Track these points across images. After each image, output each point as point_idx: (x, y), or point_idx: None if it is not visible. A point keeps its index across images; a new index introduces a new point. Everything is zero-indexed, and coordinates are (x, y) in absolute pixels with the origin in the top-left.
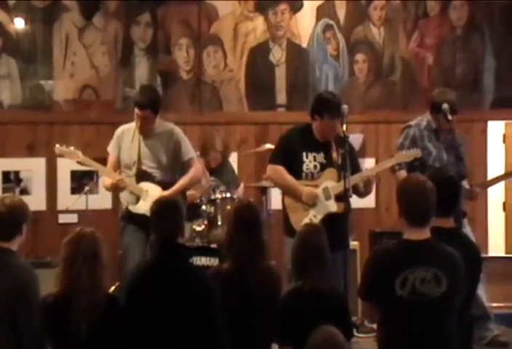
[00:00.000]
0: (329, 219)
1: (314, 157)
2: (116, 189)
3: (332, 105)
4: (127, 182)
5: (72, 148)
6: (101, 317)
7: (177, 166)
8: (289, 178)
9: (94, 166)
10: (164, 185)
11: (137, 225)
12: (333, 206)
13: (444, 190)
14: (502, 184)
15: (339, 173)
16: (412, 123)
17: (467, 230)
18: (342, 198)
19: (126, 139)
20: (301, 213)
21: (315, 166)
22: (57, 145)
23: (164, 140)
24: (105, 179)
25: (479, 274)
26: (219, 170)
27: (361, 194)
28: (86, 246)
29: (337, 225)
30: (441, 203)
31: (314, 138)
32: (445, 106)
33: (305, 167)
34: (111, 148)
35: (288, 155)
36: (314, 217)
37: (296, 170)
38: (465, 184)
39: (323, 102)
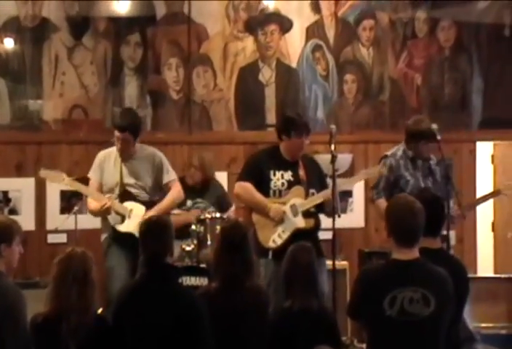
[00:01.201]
0: (298, 235)
1: (282, 175)
2: (104, 212)
3: (298, 124)
4: (112, 203)
5: (56, 171)
6: (90, 337)
7: (158, 188)
8: (257, 195)
9: (79, 188)
10: (148, 205)
11: (121, 245)
12: (301, 222)
13: (429, 210)
14: (490, 204)
15: (306, 191)
16: (388, 153)
17: None
18: (311, 214)
19: (108, 163)
20: (269, 230)
21: (282, 184)
22: (42, 169)
23: (145, 163)
24: (91, 203)
25: (467, 294)
26: (204, 190)
27: (328, 213)
28: (77, 266)
29: (306, 239)
30: (426, 224)
31: (282, 157)
32: (434, 126)
33: (272, 185)
34: (93, 173)
35: (256, 172)
36: (282, 232)
37: (264, 188)
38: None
39: (289, 121)
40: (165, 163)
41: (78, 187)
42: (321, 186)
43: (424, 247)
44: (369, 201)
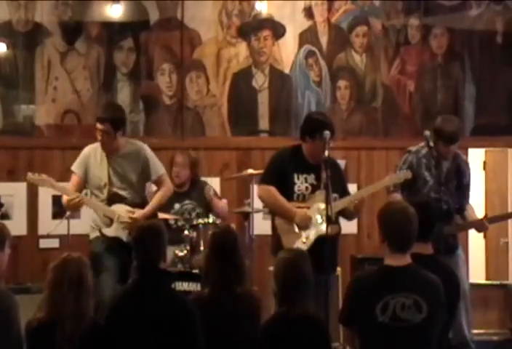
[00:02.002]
0: (321, 241)
1: (305, 178)
2: (73, 206)
3: (323, 126)
4: (97, 204)
5: (44, 176)
6: (85, 343)
7: (144, 184)
8: (281, 199)
9: (58, 187)
10: (136, 207)
11: (108, 249)
12: (325, 228)
13: (420, 215)
14: (482, 211)
15: (327, 193)
16: (413, 149)
17: (461, 271)
18: (331, 220)
19: (94, 160)
20: (293, 235)
21: (306, 188)
22: (29, 174)
23: (131, 159)
24: (63, 197)
25: (458, 301)
26: (190, 191)
27: (349, 217)
28: (73, 271)
29: (328, 247)
30: (418, 229)
31: (305, 159)
32: (426, 133)
33: (296, 188)
34: (77, 168)
35: (279, 176)
36: (307, 238)
37: (287, 191)
38: (472, 214)
39: (314, 123)
40: (151, 158)
41: (59, 187)
42: (343, 190)
43: (416, 253)
44: (386, 192)
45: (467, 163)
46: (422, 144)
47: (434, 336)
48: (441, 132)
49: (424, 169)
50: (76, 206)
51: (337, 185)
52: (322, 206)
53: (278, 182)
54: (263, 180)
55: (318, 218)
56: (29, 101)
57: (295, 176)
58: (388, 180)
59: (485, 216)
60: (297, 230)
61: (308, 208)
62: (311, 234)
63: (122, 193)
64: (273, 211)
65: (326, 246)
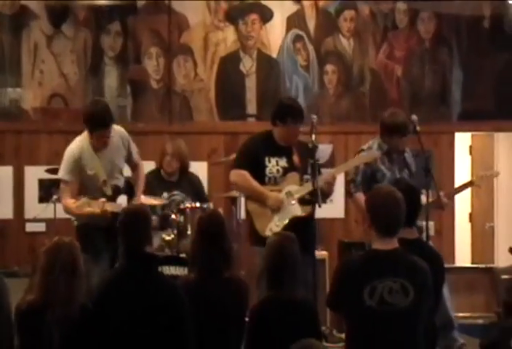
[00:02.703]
0: (294, 222)
1: (277, 161)
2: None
3: (295, 111)
4: (110, 207)
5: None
6: (74, 327)
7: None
8: (254, 183)
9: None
10: (130, 191)
11: (94, 236)
12: (297, 210)
13: (405, 200)
14: (468, 195)
15: (301, 177)
16: (364, 147)
17: None
18: (307, 201)
19: (85, 161)
20: (266, 218)
21: (277, 171)
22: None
23: (117, 146)
24: (82, 207)
25: (442, 284)
26: (180, 182)
27: (322, 198)
28: (65, 255)
29: (302, 228)
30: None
31: (276, 143)
32: (414, 117)
33: (268, 171)
34: (71, 176)
35: (251, 160)
36: (279, 220)
37: (259, 175)
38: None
39: (286, 108)
40: (130, 140)
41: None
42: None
43: (401, 238)
44: (346, 195)
45: (426, 151)
46: (372, 141)
47: (421, 320)
48: (397, 125)
49: (380, 163)
50: (106, 214)
51: (309, 166)
52: (293, 187)
53: (251, 166)
54: (236, 165)
55: (290, 200)
56: (15, 84)
57: (266, 159)
58: (357, 160)
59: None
60: (270, 213)
61: (280, 190)
62: (284, 216)
63: (118, 182)
64: (247, 195)
65: (300, 226)
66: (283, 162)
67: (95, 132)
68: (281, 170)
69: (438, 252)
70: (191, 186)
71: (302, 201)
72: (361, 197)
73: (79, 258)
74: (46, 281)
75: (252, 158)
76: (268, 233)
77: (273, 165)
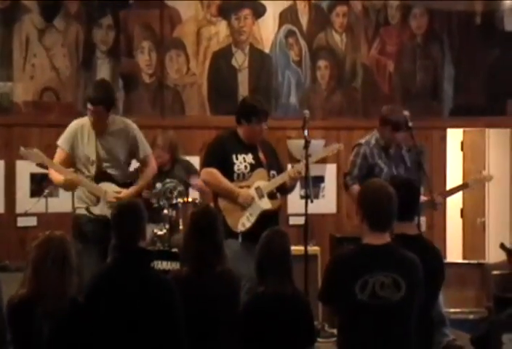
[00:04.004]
0: (264, 216)
1: (244, 158)
2: (70, 186)
3: (258, 111)
4: (85, 181)
5: (36, 150)
6: (65, 321)
7: (130, 161)
8: (224, 180)
9: (50, 163)
10: (124, 186)
11: (93, 228)
12: (267, 204)
13: (404, 194)
14: (459, 193)
15: (268, 173)
16: (362, 141)
17: None
18: (274, 195)
19: (81, 136)
20: (237, 214)
21: (245, 167)
22: (22, 148)
23: (120, 137)
24: (56, 175)
25: (442, 280)
26: (171, 170)
27: (287, 191)
28: (56, 249)
29: (272, 221)
30: (402, 208)
31: (241, 141)
32: (406, 113)
33: (236, 168)
34: (63, 143)
35: (219, 158)
36: (250, 215)
37: (228, 172)
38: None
39: (249, 107)
40: (139, 135)
41: (48, 162)
42: (279, 167)
43: (402, 233)
44: (342, 187)
45: (419, 147)
46: (369, 135)
47: (413, 314)
48: (397, 121)
49: (377, 157)
50: (72, 185)
51: (274, 163)
52: (261, 183)
53: (219, 164)
54: (205, 164)
55: (260, 195)
56: (7, 78)
57: (234, 156)
58: (321, 153)
59: (431, 192)
60: (240, 209)
61: (249, 186)
62: (254, 210)
63: (110, 171)
64: (217, 193)
65: (270, 219)
66: (249, 159)
67: (88, 107)
68: (248, 166)
69: (438, 249)
70: (183, 171)
71: (271, 196)
72: (356, 189)
73: (70, 252)
74: (38, 275)
75: (220, 156)
76: (240, 228)
77: (241, 162)
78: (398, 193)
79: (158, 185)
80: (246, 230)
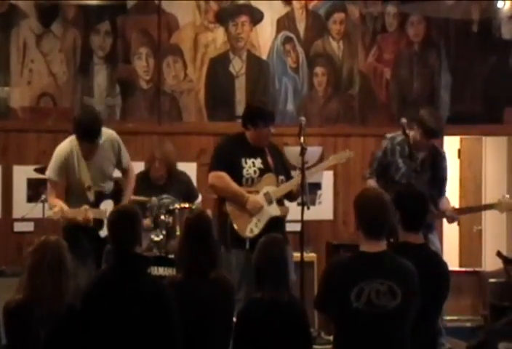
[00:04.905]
0: (272, 222)
1: (253, 162)
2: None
3: (264, 114)
4: (92, 214)
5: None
6: (61, 326)
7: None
8: (233, 185)
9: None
10: (117, 197)
11: (80, 236)
12: (276, 210)
13: (413, 205)
14: (456, 199)
15: (277, 178)
16: (389, 135)
17: (435, 245)
18: (282, 202)
19: (71, 165)
20: (245, 219)
21: (254, 172)
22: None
23: (106, 150)
24: (68, 212)
25: (447, 290)
26: (168, 185)
27: (293, 198)
28: (52, 254)
29: (278, 227)
30: (409, 218)
31: (249, 144)
32: (403, 120)
33: (245, 172)
34: (55, 175)
35: (228, 161)
36: (258, 221)
37: (236, 176)
38: (447, 205)
39: (255, 111)
40: (121, 145)
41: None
42: (287, 172)
43: (406, 242)
44: (339, 194)
45: (444, 158)
46: (399, 132)
47: (408, 322)
48: (426, 126)
49: (398, 155)
50: (88, 221)
51: (281, 168)
52: (270, 188)
53: (228, 168)
54: (213, 167)
55: (269, 201)
56: (4, 83)
57: (243, 160)
58: (331, 160)
59: (452, 208)
60: (248, 214)
61: (257, 192)
62: (262, 217)
63: (103, 189)
64: (225, 197)
65: (277, 226)
66: (258, 163)
67: (83, 142)
68: (257, 171)
69: (442, 258)
70: (180, 186)
71: (278, 202)
72: (371, 184)
73: (66, 256)
74: (34, 280)
75: (229, 160)
76: (248, 234)
77: (250, 166)
78: (405, 204)
79: (154, 200)
80: (255, 237)
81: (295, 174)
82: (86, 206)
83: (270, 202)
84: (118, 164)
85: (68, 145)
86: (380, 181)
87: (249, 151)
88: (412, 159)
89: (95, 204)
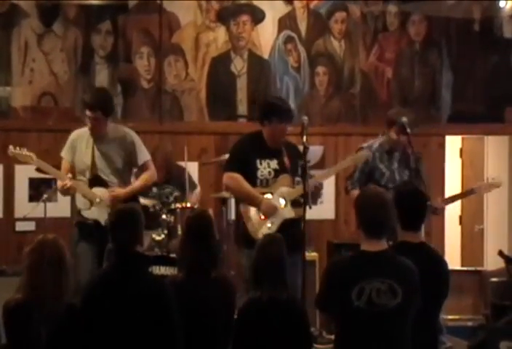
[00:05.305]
0: (286, 224)
1: (268, 163)
2: (66, 191)
3: (279, 109)
4: (80, 186)
5: (25, 150)
6: (61, 325)
7: (130, 169)
8: (247, 186)
9: (47, 168)
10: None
11: (89, 232)
12: (290, 212)
13: (410, 204)
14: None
15: (292, 179)
16: (364, 145)
17: None
18: (298, 203)
19: (81, 144)
20: (258, 221)
21: (269, 173)
22: (11, 147)
23: (118, 144)
24: (58, 182)
25: (447, 289)
26: (168, 176)
27: (312, 199)
28: (51, 253)
29: (293, 229)
30: (407, 217)
31: (266, 145)
32: (404, 119)
33: (259, 174)
34: (65, 153)
35: (242, 162)
36: (272, 223)
37: (251, 177)
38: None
39: (270, 106)
40: (138, 143)
41: (47, 167)
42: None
43: (405, 241)
44: (340, 193)
45: (417, 153)
46: (373, 140)
47: (409, 321)
48: (396, 122)
49: (378, 161)
50: (67, 192)
51: (298, 168)
52: (285, 190)
53: (242, 169)
54: (228, 168)
55: (282, 202)
56: (5, 83)
57: (258, 161)
58: (349, 160)
59: (442, 199)
60: (262, 216)
61: (272, 193)
62: (276, 219)
63: (106, 177)
64: (239, 198)
65: (291, 228)
66: (274, 164)
67: (86, 113)
68: (272, 172)
69: (442, 256)
70: (178, 180)
71: (293, 203)
72: (356, 194)
73: (65, 255)
74: (34, 279)
75: (243, 161)
76: (260, 236)
77: (265, 167)
78: (404, 203)
79: (155, 190)
80: None
81: (317, 173)
82: (69, 175)
83: (284, 204)
84: (132, 161)
85: (83, 129)
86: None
87: (265, 152)
88: (390, 161)
89: (89, 184)
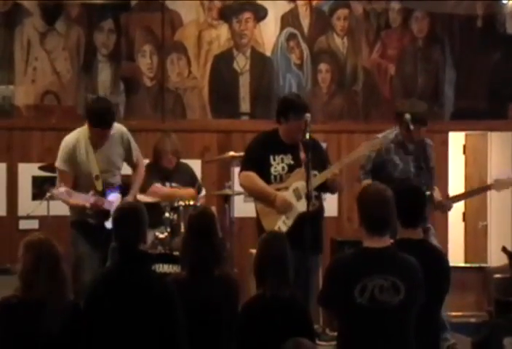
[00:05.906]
0: (301, 220)
1: (282, 159)
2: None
3: (296, 106)
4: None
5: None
6: (64, 324)
7: (126, 163)
8: (261, 183)
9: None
10: (125, 190)
11: (89, 233)
12: (304, 206)
13: (409, 201)
14: None
15: (307, 173)
16: (380, 135)
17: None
18: (314, 197)
19: (79, 153)
20: (273, 217)
21: (283, 168)
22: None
23: (115, 143)
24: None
25: (448, 285)
26: (174, 173)
27: (332, 190)
28: (47, 252)
29: (309, 225)
30: (407, 214)
31: (281, 141)
32: (407, 116)
33: (272, 170)
34: (64, 165)
35: (256, 160)
36: (287, 218)
37: (265, 174)
38: (436, 195)
39: (287, 103)
40: (131, 140)
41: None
42: (323, 168)
43: (405, 238)
44: (356, 180)
45: (431, 147)
46: (389, 130)
47: (412, 317)
48: (411, 114)
49: (393, 153)
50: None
51: (317, 164)
52: (300, 184)
53: (256, 167)
54: (242, 167)
55: (297, 197)
56: (8, 81)
57: (271, 158)
58: (363, 149)
59: (447, 197)
60: (277, 212)
61: (286, 188)
62: (291, 215)
63: (112, 179)
64: (254, 197)
65: (306, 225)
66: (288, 159)
67: (95, 129)
68: (286, 167)
69: (442, 253)
70: (185, 176)
71: (309, 199)
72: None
73: (60, 253)
74: (30, 279)
75: (257, 159)
76: None
77: (278, 163)
78: (403, 200)
79: (167, 185)
80: None
81: (330, 167)
82: (92, 191)
83: (299, 198)
84: (128, 158)
85: (75, 134)
86: (375, 180)
87: (279, 147)
88: (406, 153)
89: (102, 194)
